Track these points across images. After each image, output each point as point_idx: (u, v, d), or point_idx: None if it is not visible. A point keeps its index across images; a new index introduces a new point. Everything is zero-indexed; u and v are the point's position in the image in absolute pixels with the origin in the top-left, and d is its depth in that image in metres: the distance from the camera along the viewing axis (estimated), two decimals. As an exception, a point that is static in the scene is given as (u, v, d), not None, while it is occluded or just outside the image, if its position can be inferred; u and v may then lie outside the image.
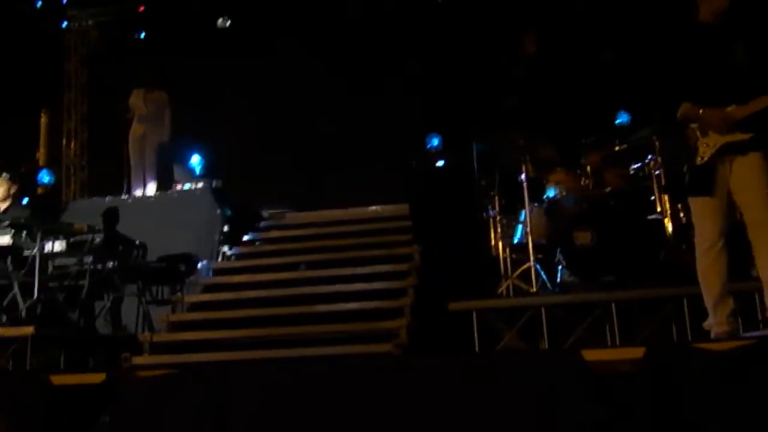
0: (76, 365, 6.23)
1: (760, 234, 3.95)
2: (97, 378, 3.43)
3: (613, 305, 5.33)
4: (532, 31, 7.80)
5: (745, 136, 3.94)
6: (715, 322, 4.07)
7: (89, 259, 7.01)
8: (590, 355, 3.11)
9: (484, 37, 9.14)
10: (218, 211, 8.38)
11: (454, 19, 9.96)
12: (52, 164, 11.40)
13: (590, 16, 8.96)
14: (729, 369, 2.91)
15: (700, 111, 3.99)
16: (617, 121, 7.15)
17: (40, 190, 10.11)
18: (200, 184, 9.02)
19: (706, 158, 4.00)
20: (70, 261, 7.09)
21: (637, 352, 3.06)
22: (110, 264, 7.11)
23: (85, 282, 6.88)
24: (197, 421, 3.29)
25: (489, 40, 8.83)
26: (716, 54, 4.04)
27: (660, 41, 4.39)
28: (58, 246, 6.92)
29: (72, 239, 7.02)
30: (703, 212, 4.10)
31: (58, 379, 3.50)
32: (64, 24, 12.01)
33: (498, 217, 6.70)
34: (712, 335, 4.06)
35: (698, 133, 4.02)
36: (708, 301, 4.12)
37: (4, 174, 7.38)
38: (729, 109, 3.95)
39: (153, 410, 3.33)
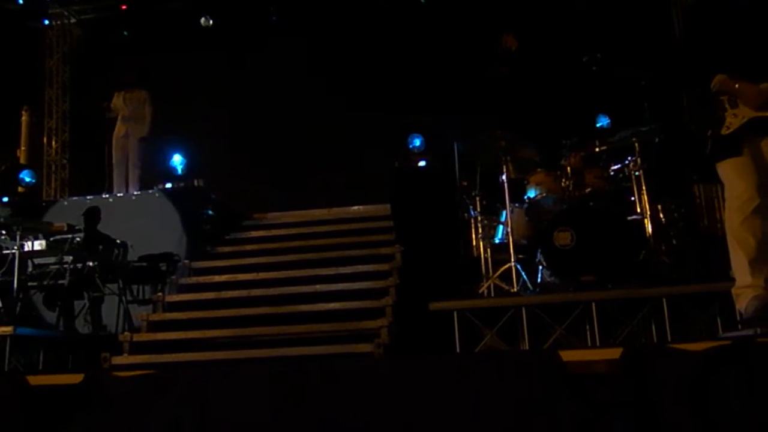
0: (55, 365, 6.19)
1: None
2: (75, 379, 3.39)
3: (593, 305, 5.36)
4: (510, 31, 7.83)
5: None
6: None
7: (69, 258, 6.97)
8: (568, 355, 3.11)
9: (466, 38, 9.16)
10: (200, 210, 8.36)
11: (436, 20, 9.98)
12: (33, 162, 11.31)
13: (572, 19, 9.02)
14: (705, 369, 2.93)
15: (736, 85, 3.95)
16: (597, 125, 7.19)
17: (20, 190, 10.01)
18: (182, 184, 8.99)
19: (732, 129, 3.96)
20: (50, 260, 7.06)
21: (614, 353, 3.06)
22: (90, 263, 7.07)
23: (65, 281, 6.84)
24: (177, 422, 3.27)
25: (471, 40, 8.85)
26: (753, 31, 4.02)
27: (701, 15, 4.35)
28: (38, 245, 6.88)
29: (52, 238, 6.98)
30: (733, 172, 3.95)
31: (35, 380, 3.46)
32: (46, 21, 11.92)
33: (479, 218, 6.73)
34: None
35: (727, 105, 3.99)
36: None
37: None
38: (763, 85, 3.91)
39: (131, 411, 3.31)
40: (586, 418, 2.93)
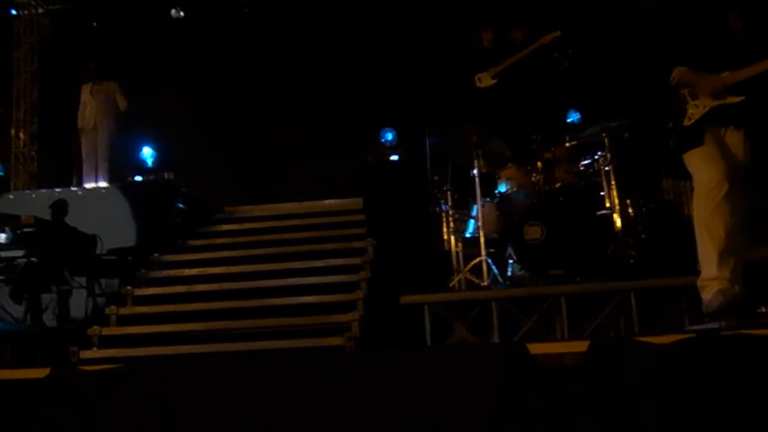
0: (23, 360, 6.12)
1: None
2: (41, 373, 3.36)
3: (563, 299, 5.41)
4: (489, 25, 7.83)
5: (736, 99, 3.96)
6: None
7: (37, 251, 6.89)
8: (536, 348, 3.14)
9: (439, 31, 9.16)
10: (170, 203, 8.30)
11: (407, 13, 9.97)
12: (0, 154, 11.16)
13: (545, 16, 9.06)
14: (669, 362, 2.96)
15: (694, 75, 4.02)
16: (568, 120, 7.25)
17: (-13, 182, 9.90)
18: (152, 177, 8.93)
19: (693, 120, 4.02)
20: (17, 253, 6.97)
21: (581, 346, 3.09)
22: (58, 256, 6.99)
23: (33, 274, 6.76)
24: (145, 416, 3.25)
25: (444, 34, 8.85)
26: (711, 23, 4.08)
27: (659, 9, 4.40)
28: (5, 238, 6.80)
29: (19, 231, 6.90)
30: (700, 159, 3.98)
31: (0, 374, 3.43)
32: (14, 11, 11.74)
33: (450, 212, 6.75)
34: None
35: (688, 96, 4.05)
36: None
37: None
38: (723, 75, 3.98)
39: (99, 405, 3.28)
40: (554, 410, 2.96)
